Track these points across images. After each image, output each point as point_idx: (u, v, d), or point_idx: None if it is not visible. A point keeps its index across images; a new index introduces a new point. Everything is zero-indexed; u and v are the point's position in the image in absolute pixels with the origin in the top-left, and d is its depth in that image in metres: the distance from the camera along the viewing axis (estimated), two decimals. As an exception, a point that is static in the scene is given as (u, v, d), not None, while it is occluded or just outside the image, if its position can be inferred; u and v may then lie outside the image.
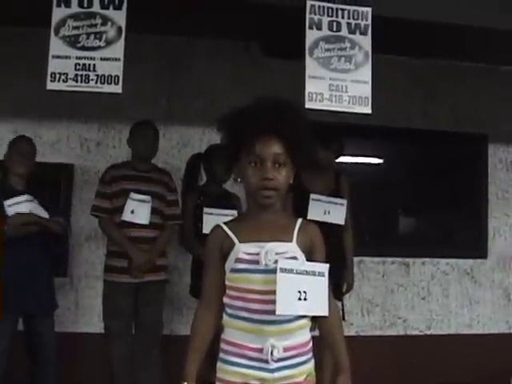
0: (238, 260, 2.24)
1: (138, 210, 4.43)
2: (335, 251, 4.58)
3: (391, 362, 5.46)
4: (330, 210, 4.57)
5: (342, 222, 4.64)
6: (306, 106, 3.43)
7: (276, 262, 2.19)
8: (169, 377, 4.41)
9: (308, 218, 4.33)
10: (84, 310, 5.36)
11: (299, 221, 2.38)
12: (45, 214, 4.29)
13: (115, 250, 4.51)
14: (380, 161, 6.37)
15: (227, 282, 2.30)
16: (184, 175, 4.93)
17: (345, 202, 4.66)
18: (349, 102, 3.55)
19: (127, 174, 4.56)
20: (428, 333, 5.93)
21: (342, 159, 4.91)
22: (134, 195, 4.42)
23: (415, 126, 6.01)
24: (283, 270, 2.17)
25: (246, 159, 2.26)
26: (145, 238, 4.48)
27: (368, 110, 3.59)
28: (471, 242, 6.22)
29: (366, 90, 3.59)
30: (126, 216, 4.42)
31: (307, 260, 2.30)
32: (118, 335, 4.48)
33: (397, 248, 5.97)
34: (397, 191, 6.14)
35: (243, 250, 2.24)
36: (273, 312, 2.17)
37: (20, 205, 4.20)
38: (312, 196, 4.55)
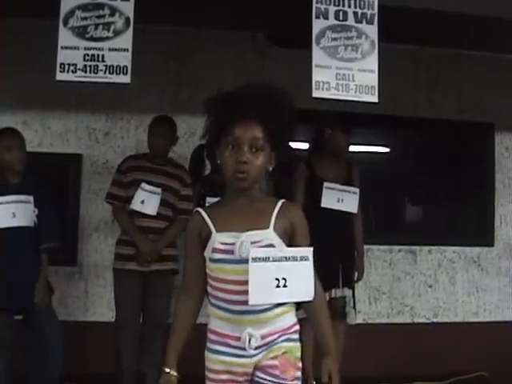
0: (214, 250, 2.22)
1: (147, 201, 4.47)
2: (346, 240, 4.66)
3: (398, 349, 5.47)
4: (343, 198, 4.62)
5: (354, 210, 4.70)
6: (313, 95, 3.45)
7: None
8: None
9: (322, 205, 4.51)
10: (93, 299, 5.40)
11: (279, 204, 2.30)
12: (31, 214, 4.20)
13: (125, 238, 4.58)
14: (386, 150, 6.38)
15: (207, 271, 2.29)
16: (189, 166, 4.96)
17: (357, 190, 4.71)
18: (355, 91, 3.54)
19: (143, 165, 4.61)
20: (435, 320, 5.95)
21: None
22: (145, 186, 4.47)
23: (421, 115, 6.01)
24: (256, 260, 2.14)
25: (224, 141, 2.24)
26: (154, 229, 4.53)
27: (375, 98, 3.59)
28: (478, 230, 6.22)
29: (373, 79, 3.58)
30: (136, 205, 4.47)
31: (289, 244, 2.26)
32: (126, 323, 4.52)
33: (404, 236, 5.98)
34: (403, 180, 6.15)
35: (219, 239, 2.22)
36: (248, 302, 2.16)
37: (6, 205, 4.11)
38: (325, 184, 4.61)
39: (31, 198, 4.20)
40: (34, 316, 4.23)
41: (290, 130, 2.31)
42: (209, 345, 2.30)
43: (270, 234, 2.22)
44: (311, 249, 2.24)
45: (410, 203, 6.36)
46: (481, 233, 6.20)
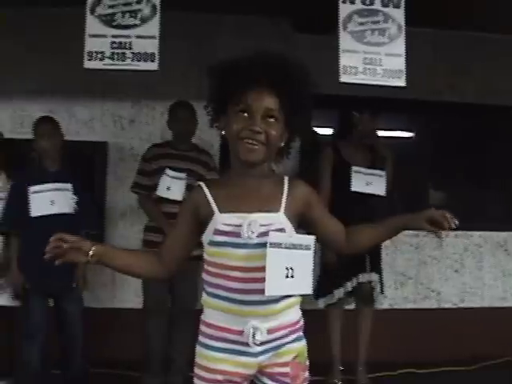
0: (217, 232, 2.05)
1: (172, 187, 4.49)
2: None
3: (424, 335, 5.47)
4: (371, 182, 4.65)
5: (382, 192, 4.71)
6: (341, 80, 3.44)
7: (260, 235, 2.00)
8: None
9: (352, 189, 4.55)
10: (120, 286, 5.44)
11: (286, 183, 2.14)
12: (70, 201, 4.26)
13: (153, 225, 4.60)
14: (411, 134, 6.36)
15: (205, 256, 2.14)
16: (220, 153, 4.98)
17: (383, 173, 4.73)
18: (383, 76, 3.54)
19: (167, 152, 4.64)
20: (461, 306, 5.93)
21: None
22: (169, 172, 4.49)
23: (444, 99, 5.95)
24: (273, 245, 1.96)
25: (234, 109, 2.04)
26: None
27: (402, 82, 3.58)
28: (504, 215, 6.19)
29: (400, 63, 3.57)
30: (162, 192, 4.49)
31: (306, 222, 2.16)
32: (154, 310, 4.54)
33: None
34: (428, 164, 6.12)
35: (223, 220, 2.04)
36: (254, 291, 1.99)
37: (45, 193, 4.18)
38: (354, 168, 4.64)
39: (69, 186, 4.27)
40: (61, 301, 4.32)
41: (306, 106, 2.12)
42: (202, 339, 2.15)
43: (280, 218, 2.07)
44: (313, 237, 2.08)
45: (435, 187, 6.33)
46: (507, 217, 6.16)
